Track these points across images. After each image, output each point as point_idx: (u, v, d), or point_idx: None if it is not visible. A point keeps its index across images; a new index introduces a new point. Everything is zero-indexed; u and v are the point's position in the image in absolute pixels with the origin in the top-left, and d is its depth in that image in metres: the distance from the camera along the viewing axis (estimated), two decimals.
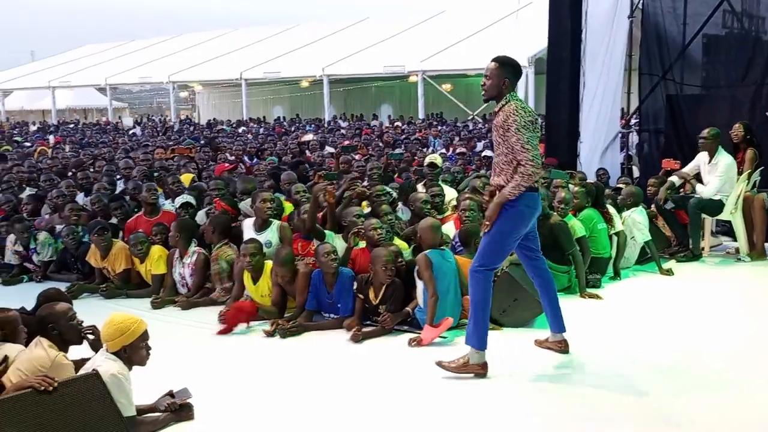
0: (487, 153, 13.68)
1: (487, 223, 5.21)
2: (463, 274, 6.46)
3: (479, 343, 5.26)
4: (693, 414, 4.64)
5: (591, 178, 10.34)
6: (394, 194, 8.66)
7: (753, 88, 10.48)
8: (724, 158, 8.99)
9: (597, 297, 7.41)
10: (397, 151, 14.21)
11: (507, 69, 5.16)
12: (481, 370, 5.25)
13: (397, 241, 7.20)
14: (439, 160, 10.17)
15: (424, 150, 15.90)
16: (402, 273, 6.66)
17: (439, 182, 9.40)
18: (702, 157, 9.20)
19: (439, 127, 23.95)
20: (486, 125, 24.66)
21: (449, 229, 7.69)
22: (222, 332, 6.54)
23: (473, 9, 36.35)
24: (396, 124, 28.73)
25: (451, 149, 16.88)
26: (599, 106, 11.66)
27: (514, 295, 6.54)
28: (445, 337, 6.22)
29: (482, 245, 5.28)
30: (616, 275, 8.23)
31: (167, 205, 9.14)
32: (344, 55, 33.52)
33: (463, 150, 15.35)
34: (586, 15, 11.37)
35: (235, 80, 35.10)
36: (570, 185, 8.75)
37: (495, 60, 5.21)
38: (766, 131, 9.96)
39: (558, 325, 5.69)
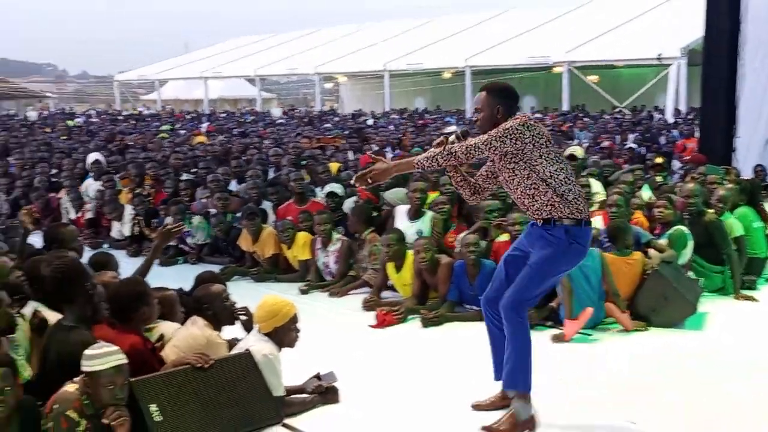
0: (632, 146, 13.28)
1: None
2: (609, 272, 6.32)
3: (526, 385, 4.37)
4: None
5: (747, 175, 9.84)
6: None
7: None
8: None
9: (752, 299, 7.07)
10: None
11: (497, 96, 4.51)
12: (529, 427, 4.34)
13: None
14: (579, 152, 9.95)
15: (569, 143, 15.58)
16: None
17: (585, 176, 9.19)
18: None
19: (585, 119, 23.38)
20: (635, 117, 23.90)
21: (597, 224, 7.51)
22: (374, 327, 6.65)
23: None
24: (537, 115, 28.27)
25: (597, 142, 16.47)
26: (759, 100, 11.08)
27: (665, 293, 6.34)
28: (588, 334, 6.11)
29: (526, 277, 4.41)
30: None
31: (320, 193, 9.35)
32: (487, 46, 33.25)
33: (608, 144, 14.94)
34: (747, 3, 10.80)
35: (379, 72, 35.48)
36: (725, 181, 8.38)
37: (483, 89, 4.61)
38: None
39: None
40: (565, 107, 29.25)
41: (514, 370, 4.34)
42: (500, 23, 37.87)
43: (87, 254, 6.24)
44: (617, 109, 27.91)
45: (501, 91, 4.55)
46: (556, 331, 6.12)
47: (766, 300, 7.10)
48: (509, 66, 32.26)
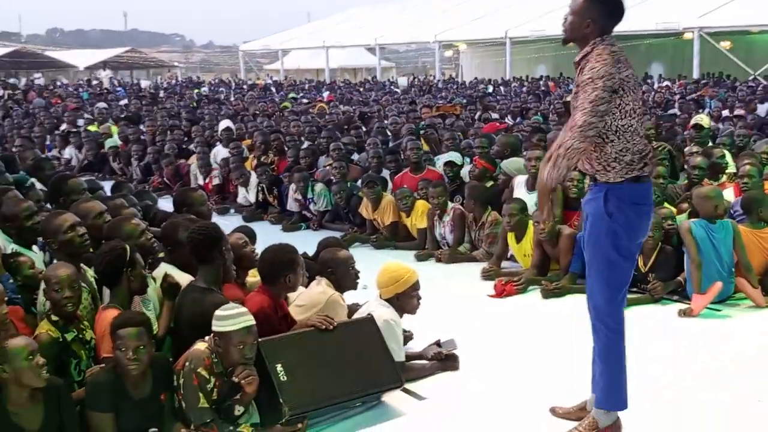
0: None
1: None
2: (742, 245, 6.07)
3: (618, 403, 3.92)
4: None
5: None
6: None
7: None
8: None
9: None
10: (670, 112, 13.50)
11: (594, 6, 3.75)
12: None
13: (668, 206, 6.88)
14: (706, 121, 9.54)
15: (700, 111, 14.96)
16: (673, 239, 6.37)
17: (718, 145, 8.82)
18: None
19: (717, 88, 22.37)
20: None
21: (728, 196, 7.21)
22: (493, 296, 6.63)
23: None
24: (665, 84, 27.25)
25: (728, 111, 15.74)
26: None
27: None
28: (718, 309, 5.90)
29: (587, 279, 3.97)
30: None
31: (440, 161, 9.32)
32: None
33: (742, 113, 14.25)
34: None
35: (500, 39, 34.96)
36: None
37: None
38: None
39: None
40: (696, 75, 28.07)
41: (607, 388, 3.87)
42: None
43: (214, 218, 6.46)
44: (751, 77, 26.60)
45: (600, 3, 3.76)
46: (682, 306, 5.93)
47: None
48: (637, 32, 31.16)
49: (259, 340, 4.08)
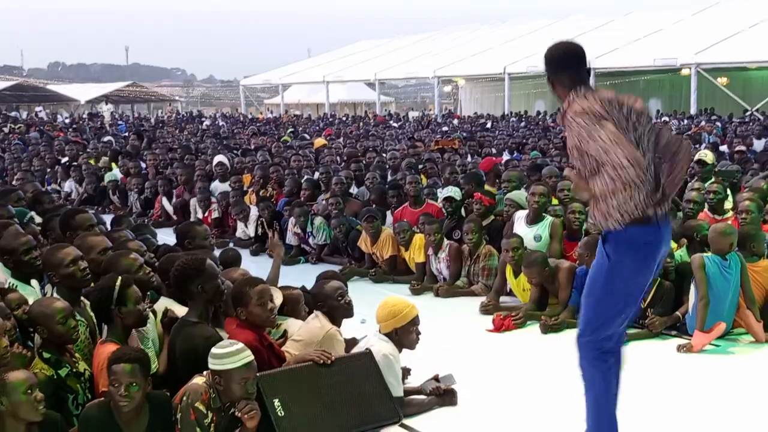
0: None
1: None
2: (748, 279, 6.07)
3: None
4: None
5: None
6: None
7: None
8: None
9: None
10: None
11: (548, 68, 3.98)
12: None
13: None
14: (710, 157, 9.59)
15: (697, 146, 15.04)
16: (671, 275, 6.39)
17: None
18: None
19: (717, 123, 22.51)
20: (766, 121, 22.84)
21: None
22: (491, 331, 6.62)
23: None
24: (664, 119, 27.43)
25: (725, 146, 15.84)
26: None
27: None
28: (717, 345, 5.89)
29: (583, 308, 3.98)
30: None
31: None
32: (611, 47, 32.51)
33: (742, 148, 14.33)
34: None
35: (499, 74, 35.23)
36: None
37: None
38: None
39: None
40: (693, 110, 28.27)
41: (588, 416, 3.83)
42: (625, 24, 36.98)
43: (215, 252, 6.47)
44: (748, 113, 26.77)
45: (550, 63, 3.92)
46: (681, 341, 5.93)
47: None
48: (634, 68, 31.46)
49: (258, 374, 4.08)
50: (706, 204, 7.92)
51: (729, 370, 5.51)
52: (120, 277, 4.34)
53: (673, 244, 6.93)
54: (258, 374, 4.08)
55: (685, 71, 29.33)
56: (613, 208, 3.56)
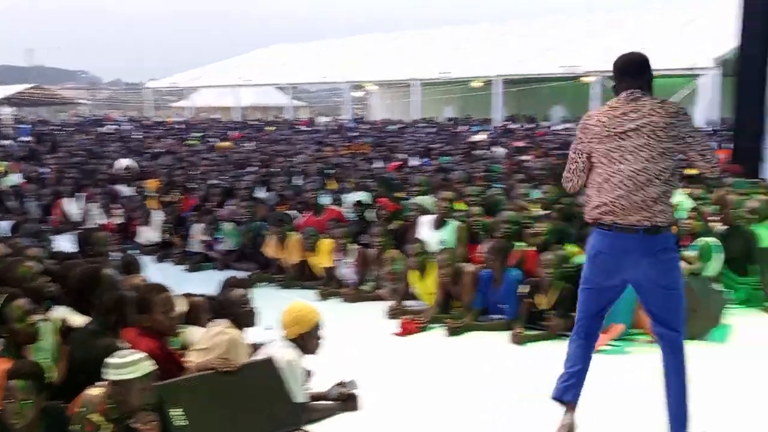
0: None
1: None
2: None
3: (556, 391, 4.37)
4: None
5: None
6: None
7: None
8: None
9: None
10: (566, 152, 13.95)
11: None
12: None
13: (568, 246, 7.08)
14: None
15: None
16: (573, 278, 6.55)
17: None
18: None
19: None
20: None
21: None
22: (398, 335, 6.66)
23: (651, 9, 35.11)
24: (567, 126, 28.19)
25: None
26: None
27: (693, 305, 6.27)
28: (616, 345, 6.07)
29: None
30: None
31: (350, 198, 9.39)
32: (517, 55, 33.28)
33: None
34: None
35: (408, 80, 35.54)
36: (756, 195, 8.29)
37: None
38: None
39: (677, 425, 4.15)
40: None
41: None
42: (530, 33, 37.85)
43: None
44: None
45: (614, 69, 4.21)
46: None
47: None
48: (539, 75, 32.22)
49: (158, 384, 4.00)
50: None
51: (625, 369, 5.67)
52: (4, 295, 4.20)
53: (573, 248, 7.12)
54: (159, 384, 4.00)
55: (587, 78, 30.18)
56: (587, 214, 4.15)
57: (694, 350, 5.89)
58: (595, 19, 37.36)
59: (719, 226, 7.54)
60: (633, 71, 4.07)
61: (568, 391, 4.24)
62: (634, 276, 4.03)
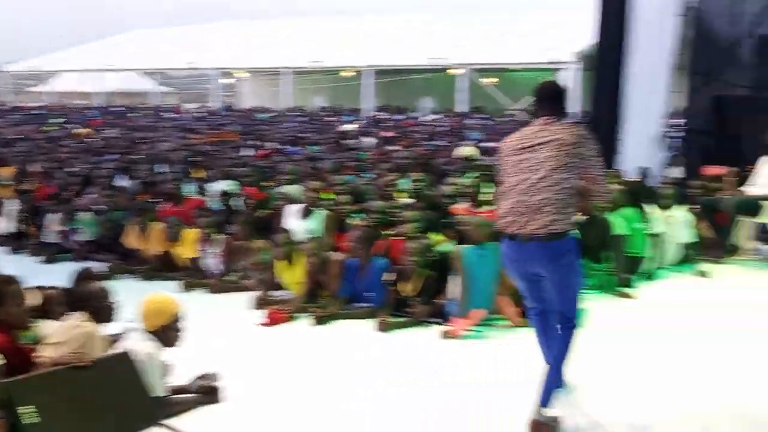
0: None
1: None
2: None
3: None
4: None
5: (633, 177, 10.22)
6: None
7: None
8: None
9: (630, 296, 7.34)
10: (435, 142, 14.21)
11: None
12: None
13: (432, 234, 7.19)
14: (471, 152, 10.15)
15: (462, 144, 15.85)
16: (436, 266, 6.68)
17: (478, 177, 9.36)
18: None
19: (481, 121, 23.86)
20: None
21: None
22: (264, 325, 6.59)
23: (520, 3, 36.16)
24: (435, 116, 28.71)
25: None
26: (645, 104, 11.48)
27: None
28: (477, 331, 6.22)
29: None
30: (651, 276, 8.14)
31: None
32: (387, 46, 33.55)
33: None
34: (635, 10, 11.18)
35: (279, 69, 35.24)
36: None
37: None
38: None
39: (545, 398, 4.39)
40: (462, 108, 29.78)
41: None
42: (401, 24, 38.22)
43: None
44: (512, 112, 28.59)
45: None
46: (444, 328, 6.20)
47: (644, 297, 7.36)
48: (410, 66, 32.62)
49: (7, 380, 3.80)
50: (469, 198, 8.38)
51: (487, 353, 5.82)
52: None
53: (436, 236, 7.25)
54: (7, 380, 3.80)
55: (455, 71, 30.78)
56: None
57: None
58: (462, 16, 38.09)
59: (578, 216, 7.85)
60: (551, 98, 4.46)
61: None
62: (542, 272, 4.35)
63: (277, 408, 4.77)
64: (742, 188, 9.15)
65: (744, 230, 9.19)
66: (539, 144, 4.26)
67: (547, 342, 4.52)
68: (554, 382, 4.36)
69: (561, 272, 4.30)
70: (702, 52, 11.39)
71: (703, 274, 8.21)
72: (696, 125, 11.76)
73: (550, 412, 4.29)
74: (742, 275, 8.52)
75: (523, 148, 4.31)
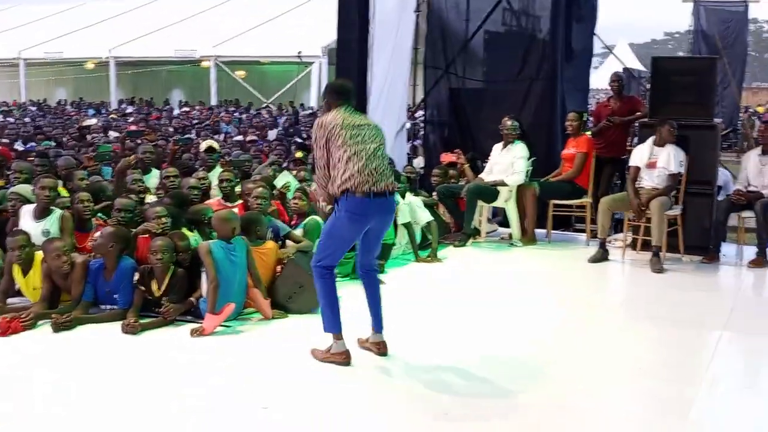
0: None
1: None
2: (254, 260, 6.49)
3: (329, 327, 5.43)
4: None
5: None
6: None
7: (527, 84, 11.07)
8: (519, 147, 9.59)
9: (382, 282, 7.60)
10: (186, 136, 13.92)
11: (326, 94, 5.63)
12: (340, 358, 5.35)
13: (182, 230, 7.03)
14: (216, 145, 10.09)
15: (216, 136, 15.67)
16: (185, 263, 6.55)
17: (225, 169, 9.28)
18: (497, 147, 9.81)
19: (235, 114, 23.70)
20: (281, 113, 24.65)
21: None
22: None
23: None
24: (184, 109, 28.08)
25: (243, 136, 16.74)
26: (387, 97, 11.88)
27: (300, 281, 6.62)
28: (228, 326, 6.19)
29: (318, 242, 5.75)
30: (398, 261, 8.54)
31: None
32: (132, 36, 32.28)
33: (255, 138, 15.27)
34: (375, 6, 11.52)
35: (13, 59, 32.86)
36: None
37: None
38: (538, 124, 10.63)
39: (378, 324, 5.61)
40: (214, 101, 29.38)
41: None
42: (146, 13, 36.83)
43: None
44: (264, 105, 28.61)
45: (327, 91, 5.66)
46: (195, 325, 6.09)
47: (391, 282, 7.64)
48: (156, 58, 31.67)
49: None
50: (220, 191, 8.32)
51: (238, 348, 5.80)
52: None
53: (187, 232, 7.10)
54: None
55: (205, 63, 30.28)
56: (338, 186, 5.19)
57: (309, 323, 6.25)
58: (211, 2, 37.32)
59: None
60: (346, 93, 5.53)
61: (339, 323, 5.41)
62: (370, 227, 5.32)
63: (16, 418, 4.46)
64: (480, 175, 9.79)
65: (482, 215, 9.88)
66: (362, 124, 5.34)
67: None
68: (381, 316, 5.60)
69: (387, 223, 5.54)
70: (437, 47, 11.95)
71: (429, 260, 8.67)
72: (434, 117, 12.34)
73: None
74: (479, 255, 9.19)
75: (352, 126, 5.25)
